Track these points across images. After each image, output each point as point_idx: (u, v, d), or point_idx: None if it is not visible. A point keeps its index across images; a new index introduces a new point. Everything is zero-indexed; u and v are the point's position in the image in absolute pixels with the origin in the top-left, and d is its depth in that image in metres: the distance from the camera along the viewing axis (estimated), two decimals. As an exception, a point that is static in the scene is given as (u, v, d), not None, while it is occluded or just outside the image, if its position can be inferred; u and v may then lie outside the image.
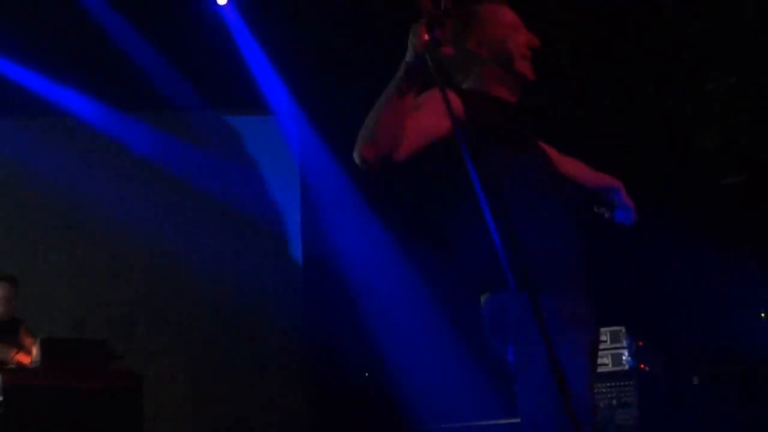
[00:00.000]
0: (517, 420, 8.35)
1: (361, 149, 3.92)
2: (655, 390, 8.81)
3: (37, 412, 7.51)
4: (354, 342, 10.01)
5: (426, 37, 3.56)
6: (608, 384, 8.58)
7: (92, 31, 9.66)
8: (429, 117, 3.85)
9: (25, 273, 8.93)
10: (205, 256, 10.51)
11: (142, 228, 10.32)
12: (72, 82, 10.29)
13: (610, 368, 8.61)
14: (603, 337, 8.68)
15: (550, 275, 3.93)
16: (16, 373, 7.71)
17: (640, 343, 8.69)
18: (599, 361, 8.51)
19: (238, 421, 10.47)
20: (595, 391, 8.48)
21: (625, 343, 8.64)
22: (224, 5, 10.00)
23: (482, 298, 4.04)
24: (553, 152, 4.45)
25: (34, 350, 7.78)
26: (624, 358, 8.61)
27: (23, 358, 8.09)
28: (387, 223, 10.55)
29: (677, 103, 9.52)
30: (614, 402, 8.52)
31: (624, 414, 8.49)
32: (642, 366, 8.64)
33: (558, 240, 4.05)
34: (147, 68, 10.09)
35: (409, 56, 3.68)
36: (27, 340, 8.32)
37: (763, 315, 8.94)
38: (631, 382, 8.54)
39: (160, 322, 10.53)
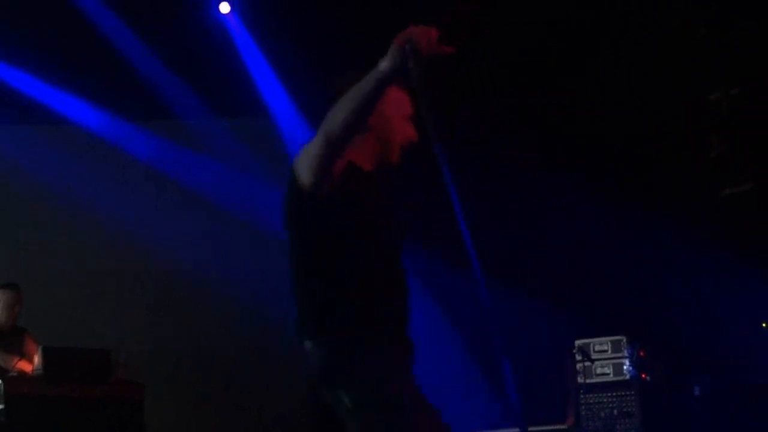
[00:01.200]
0: (518, 429, 8.36)
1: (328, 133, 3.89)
2: (657, 400, 8.80)
3: (39, 421, 7.51)
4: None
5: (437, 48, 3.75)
6: (610, 393, 8.58)
7: (96, 39, 9.68)
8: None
9: (28, 281, 8.93)
10: (208, 261, 10.52)
11: (146, 234, 10.33)
12: (76, 91, 10.32)
13: (611, 378, 8.62)
14: (604, 347, 8.69)
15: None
16: (18, 382, 7.72)
17: (642, 353, 8.69)
18: (601, 370, 8.57)
19: (243, 427, 10.48)
20: (597, 400, 8.56)
21: (626, 353, 8.65)
22: (227, 14, 10.02)
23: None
24: None
25: (36, 358, 7.79)
26: (625, 367, 8.62)
27: (25, 366, 8.09)
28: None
29: (681, 112, 9.52)
30: (615, 411, 8.52)
31: (625, 424, 8.49)
32: (644, 376, 8.64)
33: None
34: (151, 77, 10.11)
35: (400, 62, 3.81)
36: (30, 348, 8.33)
37: (764, 325, 8.93)
38: (632, 392, 8.55)
39: (165, 328, 10.53)
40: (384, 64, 3.84)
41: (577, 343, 8.71)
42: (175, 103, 10.35)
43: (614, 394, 8.56)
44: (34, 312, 8.82)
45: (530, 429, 8.63)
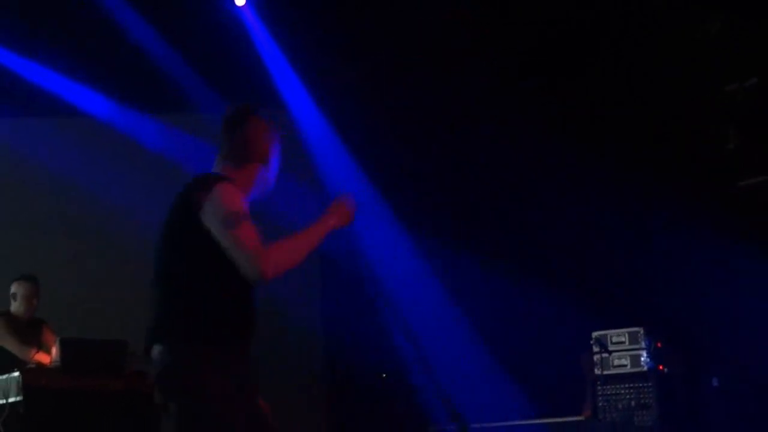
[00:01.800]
0: (536, 421, 8.39)
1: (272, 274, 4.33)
2: (674, 391, 8.78)
3: (56, 412, 7.51)
4: (372, 342, 10.00)
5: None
6: (627, 385, 8.57)
7: (111, 31, 9.68)
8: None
9: (42, 272, 8.93)
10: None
11: (156, 226, 10.31)
12: (90, 82, 10.32)
13: (628, 369, 8.60)
14: (621, 338, 8.68)
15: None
16: (36, 373, 7.71)
17: (659, 345, 8.67)
18: (619, 362, 8.55)
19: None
20: (615, 392, 8.54)
21: (643, 344, 8.63)
22: (242, 6, 10.01)
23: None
24: None
25: (54, 350, 7.79)
26: (643, 359, 8.60)
27: (43, 358, 8.10)
28: (405, 222, 10.55)
29: (697, 104, 9.50)
30: (633, 403, 8.51)
31: (642, 415, 8.47)
32: (661, 367, 8.62)
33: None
34: (165, 68, 10.11)
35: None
36: (48, 340, 8.34)
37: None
38: (649, 384, 8.53)
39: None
40: (332, 223, 4.69)
41: (595, 334, 8.69)
42: (189, 95, 10.35)
43: (631, 385, 8.55)
44: (50, 304, 8.81)
45: (548, 420, 8.67)
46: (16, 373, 7.54)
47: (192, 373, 4.11)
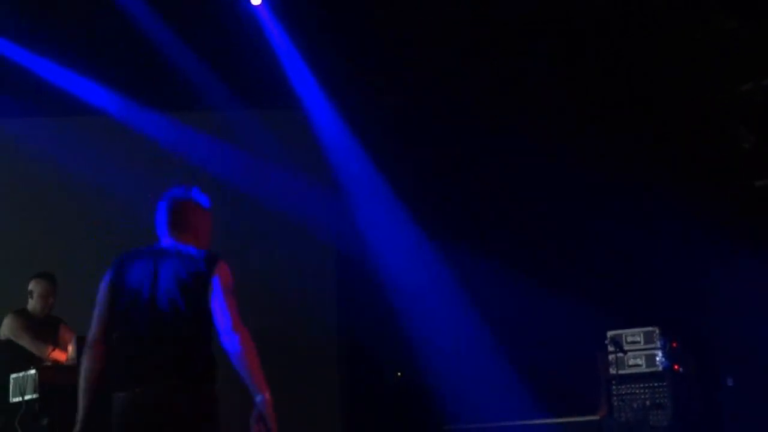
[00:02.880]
0: (551, 420, 8.38)
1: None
2: (689, 391, 8.78)
3: (72, 410, 7.51)
4: (387, 341, 10.02)
5: None
6: (642, 385, 8.57)
7: (126, 29, 9.71)
8: None
9: (60, 270, 8.95)
10: (238, 251, 10.49)
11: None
12: (106, 81, 10.35)
13: (643, 369, 8.60)
14: (637, 338, 8.67)
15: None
16: (52, 371, 7.73)
17: (674, 344, 8.66)
18: (634, 361, 8.55)
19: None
20: (630, 391, 8.53)
21: (658, 344, 8.63)
22: (258, 5, 10.03)
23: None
24: None
25: (70, 348, 7.81)
26: (658, 359, 8.60)
27: (59, 356, 8.12)
28: (420, 220, 10.55)
29: (712, 103, 9.48)
30: (648, 402, 8.51)
31: (658, 415, 8.47)
32: (676, 367, 8.62)
33: None
34: (181, 67, 10.14)
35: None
36: (65, 337, 8.35)
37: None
38: (664, 383, 8.53)
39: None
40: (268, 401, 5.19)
41: (610, 334, 8.69)
42: (205, 94, 10.37)
43: (646, 385, 8.55)
44: (66, 301, 8.84)
45: (563, 420, 8.67)
46: (33, 371, 7.57)
47: (212, 403, 5.19)
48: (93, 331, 5.22)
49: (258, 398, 5.17)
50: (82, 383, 5.13)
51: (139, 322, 5.08)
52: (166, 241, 5.37)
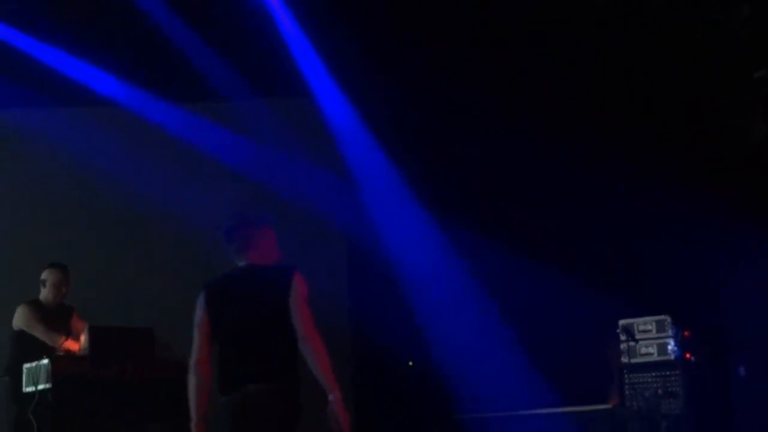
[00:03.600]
0: (563, 409, 8.38)
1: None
2: (701, 380, 8.77)
3: (85, 399, 7.56)
4: (399, 331, 10.02)
5: None
6: (654, 373, 8.58)
7: (138, 19, 9.73)
8: None
9: (73, 260, 8.98)
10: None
11: (188, 214, 10.36)
12: (118, 71, 10.37)
13: (655, 358, 8.60)
14: (649, 327, 8.67)
15: None
16: (65, 361, 7.76)
17: (687, 333, 8.65)
18: (646, 350, 8.55)
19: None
20: (641, 380, 8.53)
21: (671, 333, 8.62)
22: (269, -7, 10.04)
23: None
24: None
25: (83, 338, 7.83)
26: (670, 347, 8.59)
27: (72, 346, 8.14)
28: (431, 207, 10.54)
29: (725, 91, 9.46)
30: (660, 391, 8.50)
31: (669, 403, 8.47)
32: (688, 356, 8.61)
33: None
34: (191, 56, 10.15)
35: None
36: (78, 327, 8.38)
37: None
38: (676, 372, 8.52)
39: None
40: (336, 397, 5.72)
41: (622, 322, 8.68)
42: (216, 83, 10.37)
43: (658, 374, 8.54)
44: (79, 291, 8.86)
45: (574, 409, 8.68)
46: (45, 361, 7.60)
47: (297, 400, 5.82)
48: (196, 354, 5.96)
49: (330, 397, 5.71)
50: (193, 397, 5.93)
51: (237, 336, 5.86)
52: (242, 263, 6.07)
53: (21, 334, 8.34)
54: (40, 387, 7.59)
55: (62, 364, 7.67)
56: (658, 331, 8.63)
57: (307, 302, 5.84)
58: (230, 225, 6.15)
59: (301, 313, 5.79)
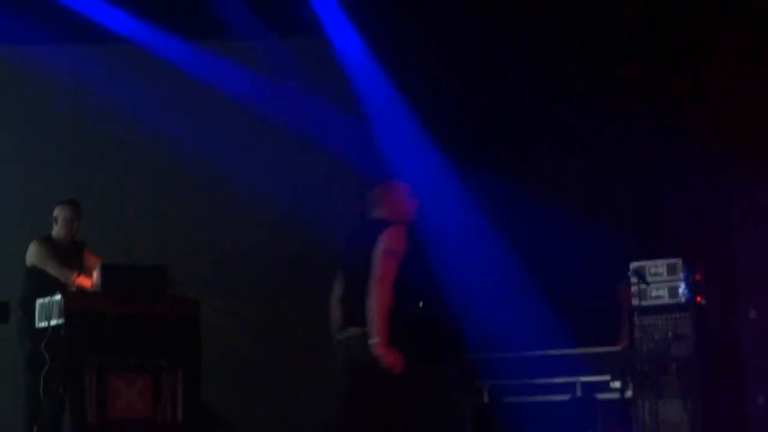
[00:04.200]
0: (572, 351, 8.39)
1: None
2: (711, 323, 8.78)
3: (96, 336, 7.61)
4: (410, 271, 10.03)
5: None
6: (664, 316, 8.57)
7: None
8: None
9: (87, 196, 9.01)
10: (263, 178, 10.53)
11: (201, 152, 10.39)
12: (133, 9, 10.35)
13: (666, 300, 8.60)
14: (660, 270, 8.65)
15: None
16: (77, 297, 7.81)
17: (698, 276, 8.64)
18: (656, 293, 8.55)
19: (294, 348, 10.58)
20: (652, 323, 8.54)
21: (681, 276, 8.61)
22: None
23: None
24: None
25: (95, 274, 7.87)
26: (681, 290, 8.59)
27: (84, 282, 8.19)
28: (445, 147, 10.52)
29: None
30: (670, 334, 8.51)
31: (679, 346, 8.48)
32: (699, 299, 8.61)
33: None
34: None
35: None
36: (90, 262, 8.42)
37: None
38: (687, 315, 8.52)
39: (218, 246, 10.62)
40: (381, 349, 6.09)
41: (633, 265, 8.67)
42: (230, 21, 10.34)
43: (669, 316, 8.54)
44: (91, 228, 8.90)
45: (584, 350, 8.70)
46: (58, 296, 7.63)
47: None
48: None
49: (370, 341, 6.09)
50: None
51: (344, 282, 6.44)
52: (368, 217, 6.57)
53: (33, 270, 8.39)
54: (53, 322, 7.63)
55: (75, 299, 7.70)
56: (669, 274, 8.62)
57: (387, 254, 6.17)
58: (375, 183, 6.75)
59: (376, 261, 6.15)
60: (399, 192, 6.66)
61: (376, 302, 6.12)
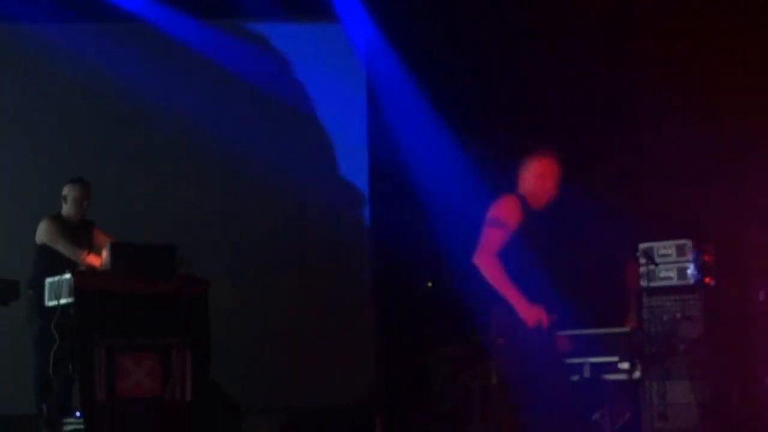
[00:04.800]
0: (580, 331, 8.36)
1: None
2: (720, 304, 8.76)
3: (106, 315, 7.64)
4: (420, 250, 10.05)
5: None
6: (672, 297, 8.56)
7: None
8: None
9: (94, 176, 9.02)
10: (270, 156, 10.54)
11: (208, 131, 10.40)
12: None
13: (675, 282, 8.59)
14: (669, 251, 8.64)
15: None
16: (87, 276, 7.83)
17: (707, 257, 8.62)
18: (665, 274, 8.53)
19: (302, 329, 10.60)
20: (660, 303, 8.51)
21: (691, 257, 8.59)
22: None
23: None
24: None
25: (104, 253, 7.89)
26: (689, 272, 8.57)
27: (94, 260, 8.21)
28: (456, 130, 10.50)
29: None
30: (678, 315, 8.51)
31: (687, 327, 8.47)
32: (707, 280, 8.59)
33: None
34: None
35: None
36: (100, 241, 8.44)
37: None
38: (695, 296, 8.51)
39: (227, 225, 10.63)
40: (523, 312, 6.51)
41: (641, 246, 8.65)
42: (241, 2, 10.34)
43: (677, 298, 8.53)
44: (100, 206, 8.91)
45: (591, 331, 8.68)
46: (68, 275, 7.66)
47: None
48: None
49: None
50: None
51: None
52: None
53: (43, 248, 8.42)
54: (63, 301, 7.66)
55: (84, 278, 7.74)
56: (678, 255, 8.60)
57: (490, 224, 6.49)
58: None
59: (482, 229, 6.50)
60: (529, 167, 6.82)
61: (486, 276, 6.43)
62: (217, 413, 8.38)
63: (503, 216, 6.45)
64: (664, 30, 9.83)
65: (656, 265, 8.60)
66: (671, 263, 8.60)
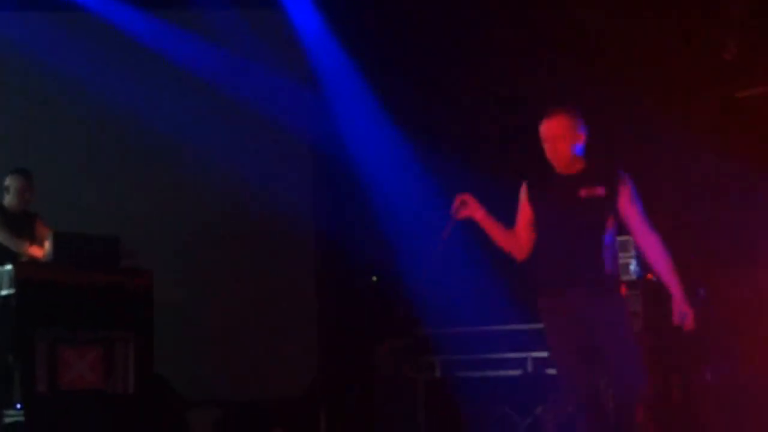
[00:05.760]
0: (527, 326, 8.40)
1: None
2: (661, 301, 8.83)
3: (48, 306, 7.58)
4: (364, 244, 10.05)
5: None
6: (615, 292, 8.59)
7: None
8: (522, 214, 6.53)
9: (37, 166, 8.94)
10: (215, 147, 10.51)
11: (154, 121, 10.33)
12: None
13: (617, 277, 8.63)
14: (612, 247, 8.69)
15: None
16: (29, 267, 7.77)
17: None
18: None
19: (248, 320, 10.58)
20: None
21: (633, 253, 8.65)
22: None
23: None
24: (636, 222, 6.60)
25: (47, 244, 7.82)
26: (632, 267, 8.63)
27: (36, 252, 8.14)
28: (399, 119, 10.51)
29: (695, 10, 9.41)
30: (620, 310, 8.55)
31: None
32: (649, 276, 8.66)
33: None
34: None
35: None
36: (41, 233, 8.37)
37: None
38: (636, 292, 8.57)
39: (171, 217, 10.58)
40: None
41: (586, 242, 8.69)
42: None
43: (619, 293, 8.58)
44: (42, 198, 8.83)
45: (535, 326, 8.73)
46: (9, 266, 7.59)
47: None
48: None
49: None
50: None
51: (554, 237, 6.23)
52: None
53: (-16, 239, 8.34)
54: (4, 292, 7.60)
55: (26, 269, 7.67)
56: (620, 251, 8.65)
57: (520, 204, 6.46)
58: None
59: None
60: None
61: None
62: (160, 406, 8.34)
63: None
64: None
65: (599, 260, 8.63)
66: (614, 259, 8.65)
